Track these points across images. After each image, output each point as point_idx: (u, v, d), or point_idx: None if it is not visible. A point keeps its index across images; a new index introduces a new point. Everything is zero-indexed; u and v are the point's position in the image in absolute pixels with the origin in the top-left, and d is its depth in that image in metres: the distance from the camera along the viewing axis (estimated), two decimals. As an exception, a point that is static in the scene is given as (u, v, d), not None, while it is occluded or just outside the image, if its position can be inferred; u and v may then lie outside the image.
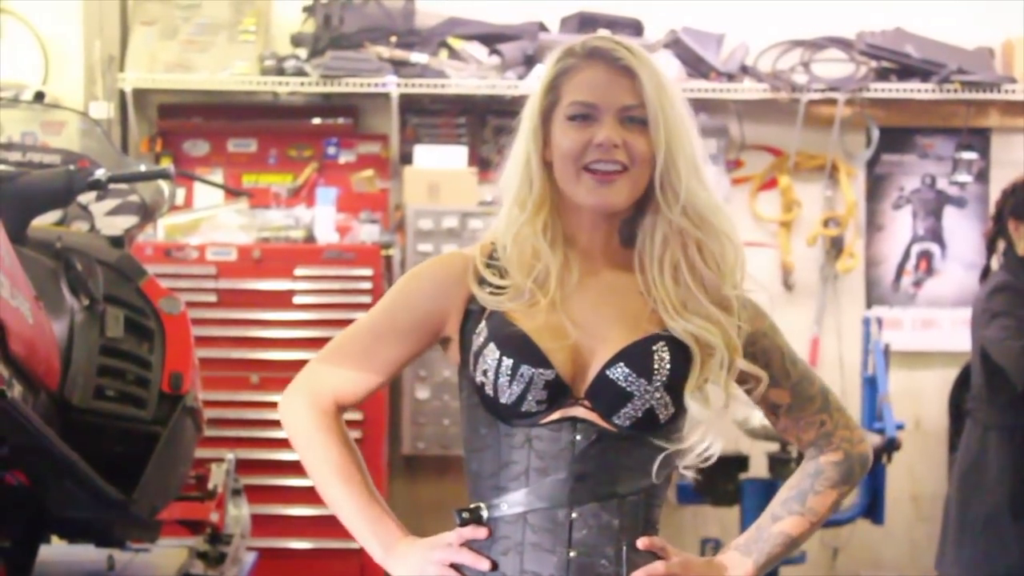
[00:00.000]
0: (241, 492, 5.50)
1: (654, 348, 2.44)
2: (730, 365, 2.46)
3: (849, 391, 7.18)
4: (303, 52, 7.22)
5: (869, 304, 7.56)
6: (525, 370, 2.42)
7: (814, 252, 7.57)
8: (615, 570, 2.45)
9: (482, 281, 2.50)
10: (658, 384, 2.42)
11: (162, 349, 4.43)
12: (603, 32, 7.14)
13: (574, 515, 2.44)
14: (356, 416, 6.36)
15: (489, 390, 2.45)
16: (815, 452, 2.60)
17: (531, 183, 2.51)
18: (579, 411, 2.45)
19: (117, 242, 4.65)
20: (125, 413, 4.29)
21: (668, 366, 2.43)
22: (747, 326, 2.50)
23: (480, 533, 2.47)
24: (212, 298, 6.67)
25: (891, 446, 6.36)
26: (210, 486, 5.12)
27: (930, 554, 7.12)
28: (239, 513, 5.39)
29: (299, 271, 6.73)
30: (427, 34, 7.30)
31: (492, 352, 2.45)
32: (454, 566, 2.48)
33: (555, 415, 2.45)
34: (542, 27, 7.33)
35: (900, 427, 6.44)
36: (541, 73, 2.55)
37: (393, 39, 7.21)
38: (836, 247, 7.54)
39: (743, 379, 2.53)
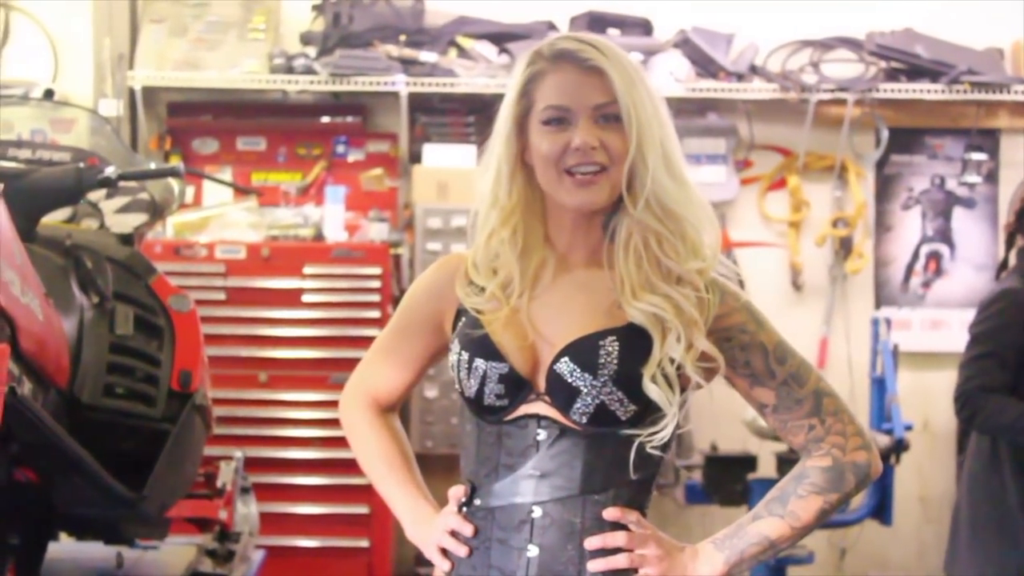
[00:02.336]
0: (250, 490, 5.50)
1: (601, 343, 2.45)
2: (689, 342, 2.44)
3: (858, 392, 7.17)
4: (312, 51, 7.23)
5: (878, 305, 7.55)
6: (479, 363, 2.48)
7: (823, 252, 7.56)
8: (576, 568, 2.46)
9: (470, 282, 2.57)
10: (604, 379, 2.43)
11: (171, 347, 4.43)
12: (612, 32, 7.16)
13: (536, 512, 2.47)
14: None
15: (457, 384, 2.53)
16: (805, 456, 2.56)
17: (504, 188, 2.53)
18: (541, 407, 2.48)
19: (127, 240, 4.65)
20: (134, 411, 4.29)
21: (615, 361, 2.43)
22: (716, 308, 2.48)
23: (466, 530, 2.52)
24: (221, 296, 6.67)
25: (899, 447, 6.34)
26: (219, 484, 5.12)
27: (938, 555, 7.12)
28: (248, 511, 5.39)
29: (308, 269, 6.73)
30: (436, 33, 7.30)
31: (456, 346, 2.53)
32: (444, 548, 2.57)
33: (520, 411, 2.49)
34: (551, 26, 7.33)
35: (908, 428, 6.43)
36: (512, 77, 2.55)
37: (402, 38, 7.22)
38: (845, 247, 7.53)
39: (733, 365, 2.51)
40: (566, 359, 2.45)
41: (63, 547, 4.94)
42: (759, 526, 2.53)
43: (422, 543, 2.61)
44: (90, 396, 4.17)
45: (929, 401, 7.46)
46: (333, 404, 6.15)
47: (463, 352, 2.50)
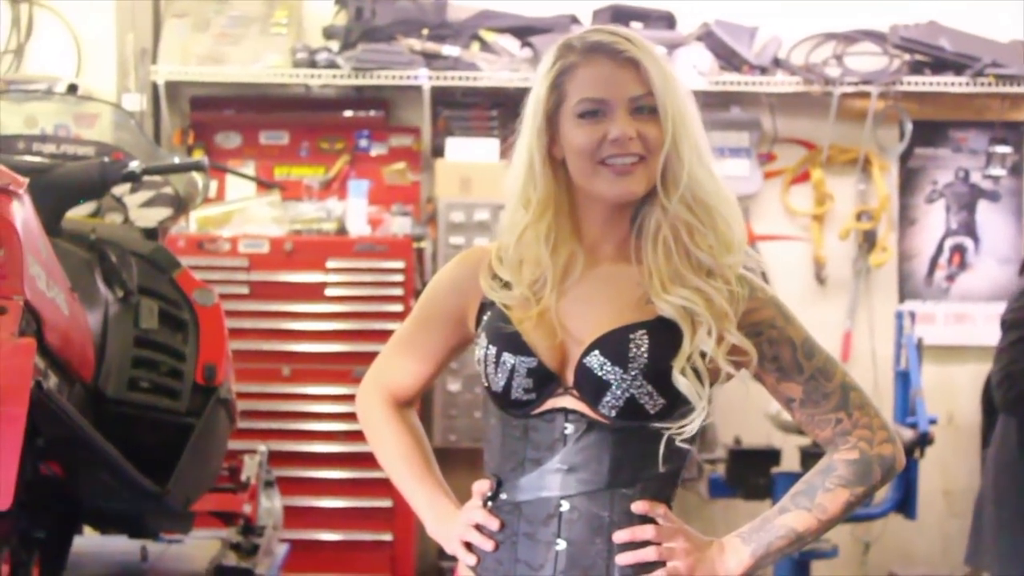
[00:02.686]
0: (273, 484, 5.51)
1: (631, 336, 2.44)
2: (720, 335, 2.44)
3: (882, 386, 7.15)
4: (335, 45, 7.23)
5: (902, 298, 7.53)
6: (507, 358, 2.47)
7: (847, 246, 7.54)
8: (605, 562, 2.46)
9: (494, 276, 2.56)
10: (635, 372, 2.42)
11: (196, 340, 4.44)
12: (635, 25, 7.15)
13: (564, 506, 2.46)
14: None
15: (484, 379, 2.51)
16: (831, 449, 2.55)
17: (535, 183, 2.51)
18: (569, 401, 2.47)
19: (151, 234, 4.67)
20: (159, 404, 4.30)
21: (645, 354, 2.42)
22: (745, 303, 2.47)
23: (492, 524, 2.51)
24: (244, 290, 6.68)
25: (924, 441, 6.33)
26: (243, 478, 5.13)
27: (962, 549, 7.10)
28: (271, 505, 5.40)
29: (331, 263, 6.74)
30: (459, 27, 7.30)
31: (483, 340, 2.52)
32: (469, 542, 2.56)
33: (547, 405, 2.48)
34: (574, 20, 7.32)
35: (933, 421, 6.41)
36: (542, 71, 2.53)
37: (425, 32, 7.22)
38: (869, 241, 7.51)
39: (761, 360, 2.51)
40: (596, 353, 2.44)
41: (87, 540, 4.95)
42: (786, 519, 2.52)
43: (444, 539, 2.60)
44: (115, 390, 4.18)
45: (953, 395, 7.45)
46: (356, 398, 6.07)
47: (491, 347, 2.49)
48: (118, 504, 4.30)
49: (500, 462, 2.52)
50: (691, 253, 2.46)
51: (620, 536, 2.45)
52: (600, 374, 2.43)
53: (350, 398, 6.59)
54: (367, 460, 6.27)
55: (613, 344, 2.44)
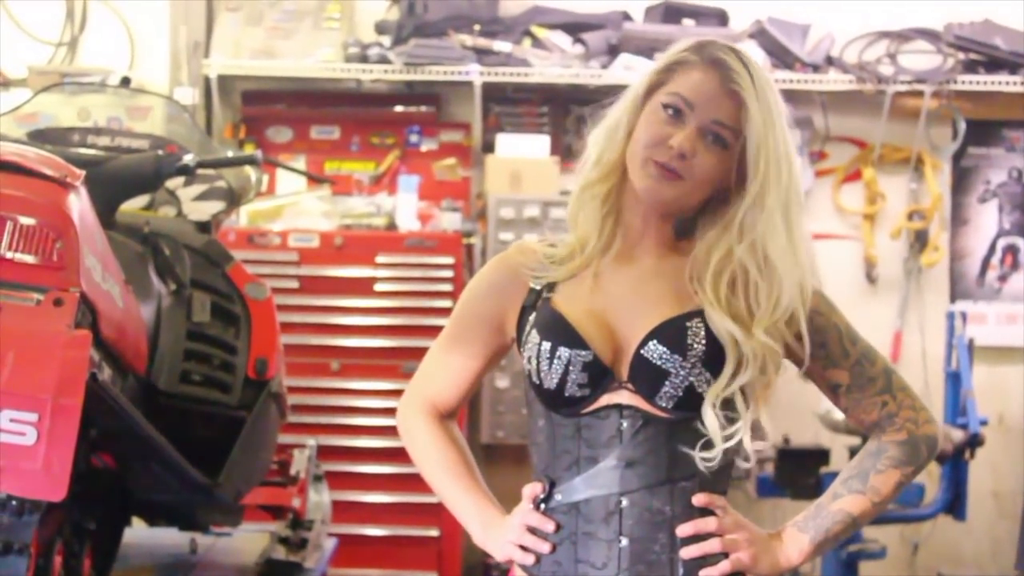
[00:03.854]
0: (322, 478, 5.52)
1: (688, 324, 2.45)
2: (748, 373, 2.44)
3: (932, 386, 7.11)
4: (387, 40, 7.23)
5: (953, 298, 7.49)
6: (563, 352, 2.46)
7: (898, 245, 7.50)
8: (668, 556, 2.46)
9: (537, 257, 2.57)
10: (694, 360, 2.43)
11: (248, 334, 4.45)
12: (687, 22, 7.13)
13: (624, 503, 2.46)
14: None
15: (535, 377, 2.50)
16: (878, 432, 2.58)
17: (613, 148, 2.53)
18: (624, 396, 2.47)
19: (204, 227, 4.68)
20: (211, 398, 4.31)
21: (703, 342, 2.43)
22: (804, 316, 2.48)
23: (548, 526, 2.51)
24: (294, 284, 6.70)
25: (974, 442, 6.29)
26: (292, 472, 5.14)
27: (1012, 551, 7.06)
28: (320, 499, 5.41)
29: (380, 258, 6.74)
30: (511, 22, 7.30)
31: (534, 337, 2.50)
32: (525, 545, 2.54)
33: (601, 402, 2.47)
34: (626, 16, 7.31)
35: (983, 422, 6.37)
36: (666, 53, 2.56)
37: (477, 27, 7.21)
38: (920, 240, 7.47)
39: (798, 360, 2.53)
40: (654, 342, 2.44)
41: (137, 532, 4.97)
42: (841, 503, 2.57)
43: (493, 546, 2.59)
44: (167, 383, 4.19)
45: (1004, 396, 7.40)
46: (397, 412, 6.05)
47: (544, 342, 2.48)
48: (169, 496, 4.32)
49: (551, 463, 2.52)
50: (746, 293, 2.47)
51: (684, 530, 2.46)
52: (659, 363, 2.43)
53: (399, 393, 6.59)
54: (403, 455, 6.30)
55: (671, 333, 2.45)
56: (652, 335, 2.45)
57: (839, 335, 2.55)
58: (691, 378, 2.42)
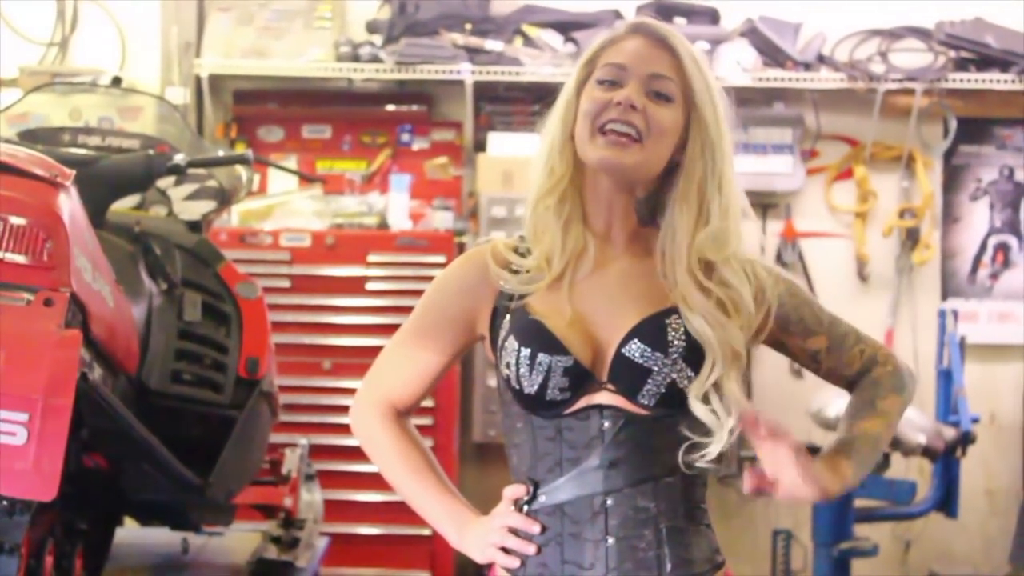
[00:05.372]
0: (314, 477, 5.52)
1: (667, 321, 2.45)
2: (722, 369, 2.44)
3: (924, 384, 7.10)
4: (378, 39, 7.23)
5: (945, 296, 7.49)
6: (543, 358, 2.44)
7: (889, 243, 7.51)
8: (655, 553, 2.46)
9: (505, 264, 2.54)
10: (675, 356, 2.43)
11: (239, 334, 4.45)
12: (679, 21, 7.13)
13: (609, 502, 2.45)
14: (428, 403, 6.37)
15: (515, 383, 2.47)
16: (866, 374, 2.62)
17: (557, 155, 2.51)
18: (604, 397, 2.46)
19: (195, 227, 4.68)
20: (202, 397, 4.31)
21: (683, 337, 2.44)
22: (763, 307, 2.51)
23: (533, 528, 2.49)
24: (285, 284, 6.70)
25: (966, 440, 6.30)
26: (284, 471, 5.14)
27: (1004, 549, 7.07)
28: (312, 498, 5.42)
29: (372, 257, 6.74)
30: (502, 21, 7.30)
31: (512, 343, 2.47)
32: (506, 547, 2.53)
33: (581, 403, 2.46)
34: (618, 15, 7.31)
35: (975, 420, 6.38)
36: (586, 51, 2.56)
37: (468, 26, 7.21)
38: (912, 238, 7.48)
39: (776, 341, 2.57)
40: (635, 341, 2.44)
41: (129, 532, 4.98)
42: (863, 426, 2.57)
43: (473, 549, 2.57)
44: (158, 382, 4.19)
45: (996, 394, 7.41)
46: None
47: (523, 348, 2.45)
48: (160, 496, 4.32)
49: (533, 464, 2.50)
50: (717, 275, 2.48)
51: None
52: (641, 361, 2.43)
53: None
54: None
55: (651, 331, 2.44)
56: (633, 333, 2.45)
57: (810, 307, 2.59)
58: (673, 375, 2.42)
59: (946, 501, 6.44)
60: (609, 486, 2.45)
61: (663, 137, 2.46)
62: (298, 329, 6.65)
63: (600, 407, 2.46)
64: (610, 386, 2.46)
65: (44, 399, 3.10)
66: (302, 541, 5.02)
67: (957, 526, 7.00)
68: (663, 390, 2.43)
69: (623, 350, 2.45)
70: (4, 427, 3.07)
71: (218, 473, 4.23)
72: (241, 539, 5.09)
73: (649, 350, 2.43)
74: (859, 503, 6.33)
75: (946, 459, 6.30)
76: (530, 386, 2.46)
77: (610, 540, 2.45)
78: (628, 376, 2.44)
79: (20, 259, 3.24)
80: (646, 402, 2.44)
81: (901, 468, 6.76)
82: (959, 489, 6.43)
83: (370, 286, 6.75)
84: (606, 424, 2.45)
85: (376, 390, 2.66)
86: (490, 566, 2.60)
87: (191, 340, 4.35)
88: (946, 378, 6.62)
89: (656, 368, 2.43)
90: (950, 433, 6.26)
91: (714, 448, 2.44)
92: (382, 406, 2.65)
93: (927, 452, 6.15)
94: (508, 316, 2.51)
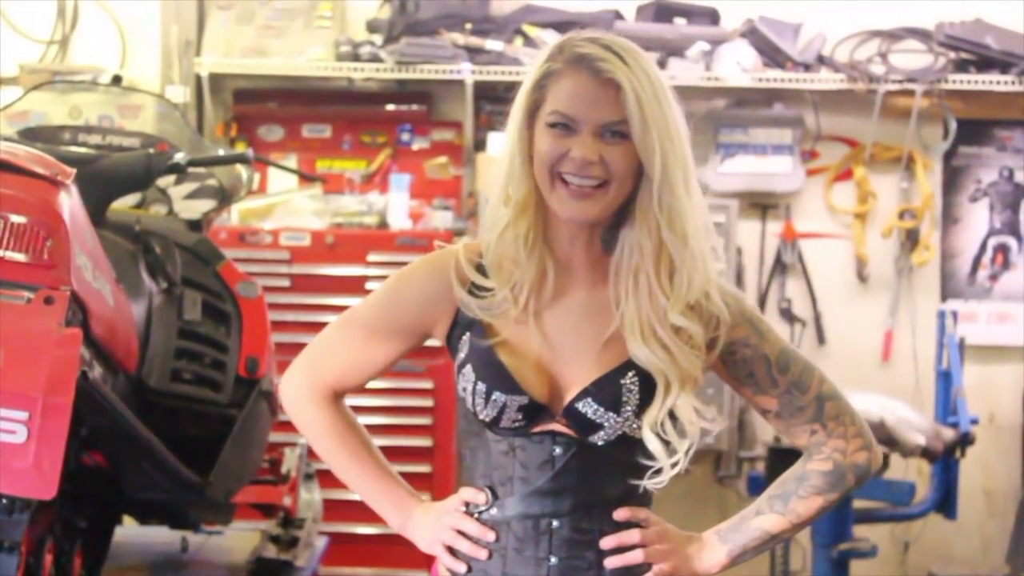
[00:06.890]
0: (313, 476, 5.52)
1: (622, 382, 2.43)
2: (677, 396, 2.42)
3: (923, 385, 7.12)
4: (378, 38, 7.23)
5: (944, 297, 7.49)
6: (498, 396, 2.44)
7: (889, 244, 7.50)
8: (596, 572, 2.48)
9: (467, 282, 2.49)
10: (628, 415, 2.43)
11: (239, 333, 4.46)
12: (679, 21, 7.13)
13: (555, 523, 2.47)
14: (427, 403, 6.38)
15: (470, 406, 2.47)
16: (806, 457, 2.58)
17: (516, 181, 2.46)
18: (558, 425, 2.46)
19: (195, 226, 4.68)
20: (201, 396, 4.32)
21: (636, 396, 2.43)
22: (724, 336, 2.47)
23: (488, 536, 2.50)
24: (285, 283, 6.69)
25: (964, 441, 6.30)
26: (283, 470, 5.14)
27: (1002, 549, 7.07)
28: (311, 497, 5.42)
29: (372, 257, 6.74)
30: (502, 21, 7.30)
31: (469, 374, 2.46)
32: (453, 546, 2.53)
33: (536, 428, 2.46)
34: (618, 15, 7.31)
35: (974, 421, 6.38)
36: (533, 67, 2.48)
37: (468, 26, 7.21)
38: (911, 239, 7.47)
39: (737, 375, 2.52)
40: (588, 400, 2.43)
41: (128, 531, 4.98)
42: (760, 521, 2.57)
43: (419, 537, 2.58)
44: (158, 381, 4.20)
45: (995, 395, 7.41)
46: (396, 392, 6.12)
47: (480, 383, 2.44)
48: (160, 495, 4.32)
49: (487, 472, 2.51)
50: (663, 289, 2.43)
51: (607, 543, 2.47)
52: (593, 418, 2.43)
53: (389, 392, 6.56)
54: (406, 454, 6.32)
55: (604, 390, 2.43)
56: (586, 393, 2.43)
57: (767, 366, 2.52)
58: (624, 428, 2.43)
59: (945, 502, 6.44)
60: (556, 509, 2.46)
61: (625, 177, 2.41)
62: (298, 328, 6.62)
63: (553, 433, 2.46)
64: (563, 420, 2.46)
65: (44, 397, 3.10)
66: (301, 540, 5.02)
67: (956, 527, 7.00)
68: (613, 439, 2.44)
69: (576, 404, 2.44)
70: (4, 425, 3.07)
71: (217, 472, 4.23)
72: (240, 538, 5.10)
73: (601, 410, 2.43)
74: (858, 504, 6.33)
75: (945, 460, 6.30)
76: (485, 416, 2.46)
77: (552, 559, 2.47)
78: (580, 424, 2.45)
79: (20, 257, 3.24)
80: (597, 442, 2.45)
81: (900, 469, 6.76)
82: (958, 490, 6.42)
83: (370, 286, 6.72)
84: (557, 450, 2.46)
85: (316, 372, 2.62)
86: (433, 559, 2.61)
87: (191, 339, 4.35)
88: (945, 379, 6.62)
89: (607, 424, 2.43)
90: (949, 434, 6.26)
91: (666, 476, 2.44)
92: (322, 389, 2.62)
93: (926, 453, 6.14)
94: (469, 334, 2.49)
